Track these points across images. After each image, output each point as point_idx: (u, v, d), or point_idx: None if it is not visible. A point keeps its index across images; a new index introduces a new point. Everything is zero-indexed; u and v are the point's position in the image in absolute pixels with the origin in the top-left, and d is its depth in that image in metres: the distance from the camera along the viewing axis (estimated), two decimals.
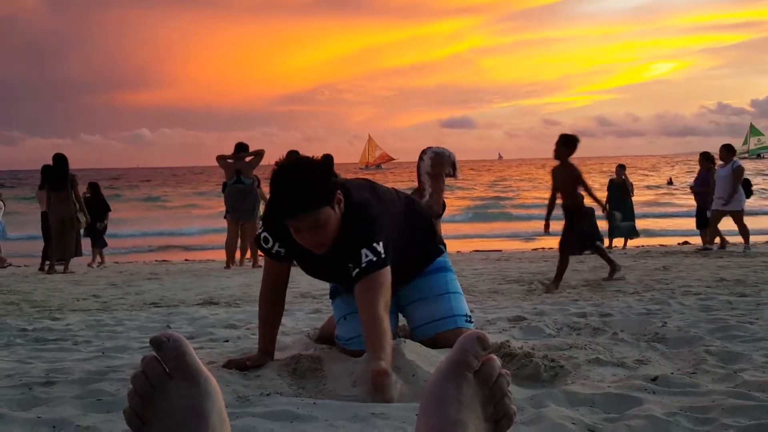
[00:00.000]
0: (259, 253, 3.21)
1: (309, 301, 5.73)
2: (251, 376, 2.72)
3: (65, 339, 4.01)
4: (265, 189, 9.64)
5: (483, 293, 6.23)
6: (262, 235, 2.90)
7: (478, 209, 29.04)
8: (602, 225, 12.53)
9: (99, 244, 12.26)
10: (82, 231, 10.87)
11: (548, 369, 2.73)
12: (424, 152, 9.14)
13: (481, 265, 9.50)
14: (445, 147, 9.19)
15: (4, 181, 54.56)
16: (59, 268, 10.39)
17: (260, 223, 3.11)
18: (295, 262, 2.98)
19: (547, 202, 7.08)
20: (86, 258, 11.92)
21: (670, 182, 41.92)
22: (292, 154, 2.72)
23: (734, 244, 11.08)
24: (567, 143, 6.72)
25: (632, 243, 13.31)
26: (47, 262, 10.63)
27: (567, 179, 6.74)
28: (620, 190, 13.23)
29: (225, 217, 10.41)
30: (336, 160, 10.17)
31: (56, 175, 10.41)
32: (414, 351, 2.69)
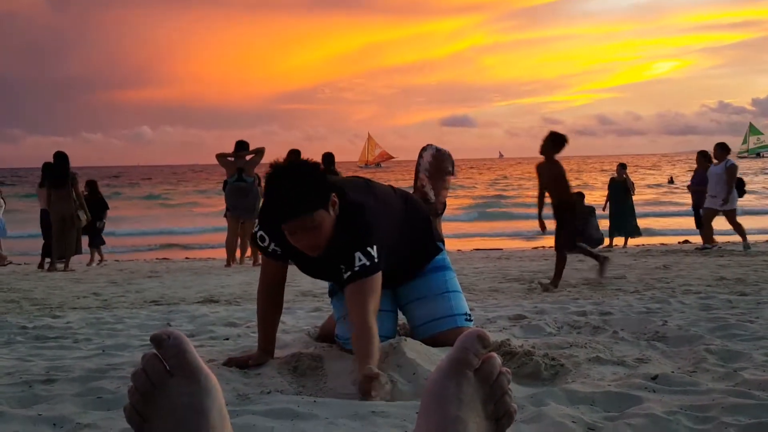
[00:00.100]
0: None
1: (309, 299, 5.74)
2: (251, 374, 2.73)
3: (65, 337, 4.01)
4: None
5: (483, 292, 6.23)
6: (259, 234, 2.89)
7: (479, 208, 29.04)
8: (603, 224, 12.59)
9: (96, 242, 12.23)
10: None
11: (548, 367, 2.73)
12: (424, 149, 9.13)
13: (481, 263, 9.50)
14: (440, 146, 9.18)
15: (5, 178, 54.58)
16: (59, 266, 10.40)
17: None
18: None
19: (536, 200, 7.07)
20: (86, 256, 11.93)
21: (671, 181, 41.92)
22: (293, 154, 2.72)
23: (734, 243, 11.08)
24: (555, 142, 6.66)
25: (633, 242, 13.32)
26: (47, 260, 10.63)
27: (551, 177, 6.70)
28: (621, 188, 13.24)
29: (225, 216, 10.41)
30: (336, 159, 10.13)
31: (57, 172, 10.41)
32: (414, 349, 2.69)
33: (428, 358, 2.65)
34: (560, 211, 6.71)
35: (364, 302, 2.64)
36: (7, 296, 6.58)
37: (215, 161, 10.44)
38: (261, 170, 9.28)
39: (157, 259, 13.79)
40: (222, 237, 10.97)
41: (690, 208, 13.24)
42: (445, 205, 9.75)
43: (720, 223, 10.93)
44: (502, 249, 13.92)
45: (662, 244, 13.67)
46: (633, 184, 13.83)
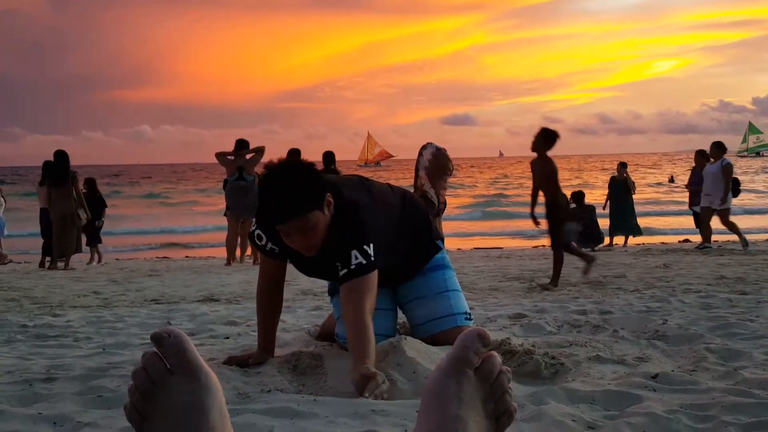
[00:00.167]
0: None
1: (310, 298, 5.74)
2: (252, 373, 2.73)
3: (66, 335, 4.01)
4: None
5: (483, 291, 6.23)
6: (256, 233, 2.89)
7: (479, 207, 29.03)
8: (603, 223, 12.60)
9: (95, 241, 12.20)
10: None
11: (549, 366, 2.74)
12: (423, 148, 9.13)
13: (481, 262, 9.50)
14: (439, 145, 9.18)
15: (5, 177, 54.57)
16: (60, 264, 10.40)
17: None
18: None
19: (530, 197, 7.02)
20: (87, 255, 11.93)
21: (671, 180, 41.90)
22: (293, 153, 2.72)
23: (734, 242, 11.08)
24: (546, 138, 6.58)
25: (633, 240, 13.32)
26: (48, 259, 10.63)
27: (543, 174, 6.64)
28: (621, 187, 13.25)
29: (225, 214, 10.41)
30: (337, 157, 10.12)
31: (57, 171, 10.41)
32: (414, 348, 2.69)
33: (428, 357, 2.65)
34: (552, 209, 6.66)
35: (360, 300, 2.63)
36: (8, 295, 6.59)
37: (215, 160, 10.44)
38: (261, 169, 9.28)
39: (157, 257, 13.79)
40: (222, 236, 10.97)
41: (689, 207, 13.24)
42: (445, 204, 9.76)
43: (717, 222, 10.93)
44: (502, 248, 13.92)
45: (662, 243, 13.67)
46: (634, 183, 13.83)
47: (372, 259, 2.69)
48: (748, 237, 10.67)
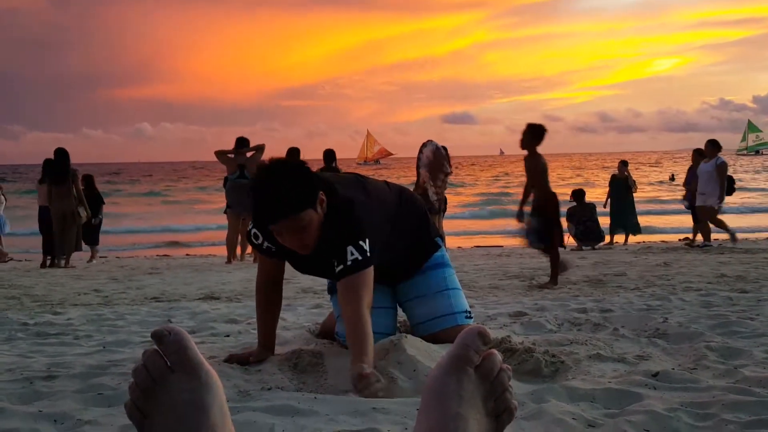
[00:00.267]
0: None
1: (310, 296, 5.74)
2: (252, 371, 2.73)
3: (66, 333, 4.02)
4: None
5: (484, 289, 6.23)
6: (252, 231, 2.89)
7: (480, 205, 29.02)
8: (603, 221, 12.60)
9: (93, 240, 12.14)
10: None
11: (549, 364, 2.74)
12: (424, 145, 9.14)
13: (482, 260, 9.50)
14: (438, 143, 9.18)
15: (5, 175, 54.57)
16: (60, 262, 10.40)
17: None
18: None
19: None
20: (86, 253, 11.91)
21: (672, 178, 41.87)
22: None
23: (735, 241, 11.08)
24: (534, 134, 6.49)
25: (633, 239, 13.32)
26: (48, 257, 10.63)
27: (534, 171, 6.58)
28: (622, 185, 13.25)
29: (225, 212, 10.41)
30: (338, 156, 10.12)
31: (57, 169, 10.41)
32: (415, 346, 2.69)
33: (429, 355, 2.65)
34: (542, 207, 6.60)
35: (358, 297, 2.63)
36: (8, 293, 6.59)
37: (215, 158, 10.44)
38: None
39: (157, 255, 13.79)
40: (222, 234, 10.97)
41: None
42: (446, 201, 9.76)
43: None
44: (502, 246, 13.91)
45: (663, 241, 13.66)
46: (635, 182, 13.84)
47: (368, 254, 2.69)
48: (748, 236, 10.68)
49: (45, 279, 8.17)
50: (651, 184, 39.63)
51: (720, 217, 10.80)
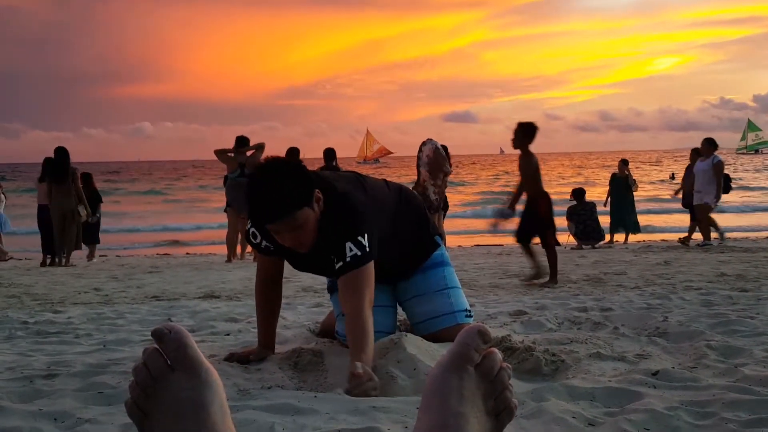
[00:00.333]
0: None
1: (311, 295, 5.74)
2: (252, 369, 2.73)
3: (66, 332, 4.02)
4: None
5: (484, 288, 6.23)
6: (251, 231, 2.89)
7: (480, 204, 29.02)
8: (604, 220, 12.59)
9: (93, 239, 12.11)
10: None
11: (549, 363, 2.74)
12: (424, 144, 9.13)
13: (482, 259, 9.50)
14: (438, 142, 9.17)
15: (5, 174, 54.56)
16: (61, 261, 10.41)
17: None
18: None
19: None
20: (86, 252, 11.90)
21: (672, 177, 41.83)
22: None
23: (734, 240, 11.08)
24: (526, 132, 6.47)
25: (633, 238, 13.32)
26: (48, 256, 10.63)
27: (527, 169, 6.54)
28: (623, 184, 13.25)
29: (225, 211, 10.42)
30: (338, 154, 10.10)
31: (58, 168, 10.41)
32: (415, 345, 2.69)
33: (429, 354, 2.65)
34: (533, 206, 6.58)
35: (359, 293, 2.63)
36: (9, 291, 6.60)
37: (215, 157, 10.44)
38: None
39: (157, 254, 13.80)
40: (223, 233, 10.97)
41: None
42: (446, 200, 9.76)
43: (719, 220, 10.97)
44: (502, 245, 13.90)
45: (663, 240, 13.67)
46: (635, 181, 13.84)
47: (367, 249, 2.68)
48: (748, 234, 10.69)
49: (45, 278, 8.17)
50: (652, 182, 39.62)
51: (713, 215, 10.81)
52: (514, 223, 6.83)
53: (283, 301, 3.31)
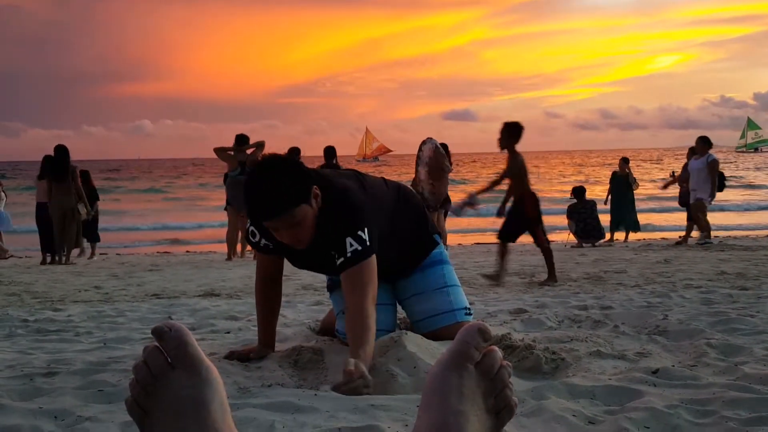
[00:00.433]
0: None
1: (311, 293, 5.74)
2: (252, 367, 2.73)
3: (67, 330, 4.02)
4: None
5: (484, 286, 6.24)
6: (250, 229, 2.89)
7: (480, 202, 28.97)
8: (604, 219, 12.59)
9: (93, 237, 12.10)
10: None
11: (549, 361, 2.74)
12: (424, 143, 9.14)
13: (482, 257, 9.50)
14: (437, 141, 9.18)
15: (5, 172, 54.53)
16: (61, 259, 10.41)
17: None
18: None
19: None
20: (87, 250, 11.91)
21: (672, 176, 41.79)
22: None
23: (734, 238, 11.08)
24: (512, 132, 6.49)
25: (634, 236, 13.33)
26: (48, 254, 10.63)
27: (514, 169, 6.56)
28: (623, 182, 13.26)
29: (225, 209, 10.42)
30: (338, 153, 10.12)
31: (58, 166, 10.41)
32: (415, 343, 2.69)
33: (429, 352, 2.65)
34: (520, 205, 6.58)
35: (361, 289, 2.62)
36: (9, 289, 6.60)
37: (216, 155, 10.44)
38: None
39: (158, 252, 13.81)
40: (223, 231, 10.97)
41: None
42: (448, 199, 9.75)
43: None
44: None
45: (663, 238, 13.67)
46: (636, 180, 13.85)
47: (368, 243, 2.68)
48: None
49: (45, 276, 8.17)
50: (653, 181, 39.61)
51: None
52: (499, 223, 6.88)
53: (283, 299, 3.31)
